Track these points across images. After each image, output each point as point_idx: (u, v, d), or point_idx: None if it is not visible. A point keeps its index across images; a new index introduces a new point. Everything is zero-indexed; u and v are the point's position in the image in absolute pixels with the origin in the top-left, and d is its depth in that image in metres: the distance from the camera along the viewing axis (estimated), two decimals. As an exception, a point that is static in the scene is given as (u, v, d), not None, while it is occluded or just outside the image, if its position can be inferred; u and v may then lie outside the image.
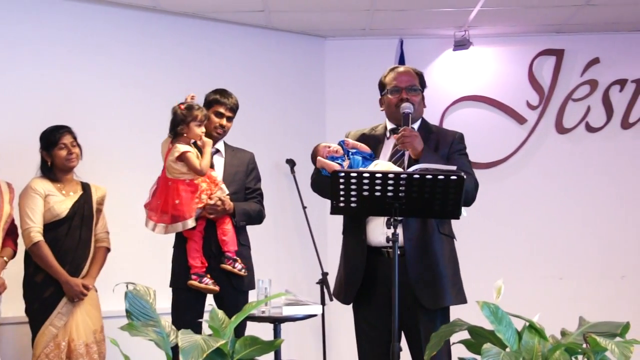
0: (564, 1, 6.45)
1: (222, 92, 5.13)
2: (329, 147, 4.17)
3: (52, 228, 5.02)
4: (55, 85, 5.99)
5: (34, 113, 5.78)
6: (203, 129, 4.88)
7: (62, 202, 5.06)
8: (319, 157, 4.13)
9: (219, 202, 4.82)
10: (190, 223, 4.78)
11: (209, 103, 5.10)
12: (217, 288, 4.84)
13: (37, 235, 4.94)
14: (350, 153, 4.13)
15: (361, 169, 4.00)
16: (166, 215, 4.80)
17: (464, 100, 7.31)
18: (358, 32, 7.19)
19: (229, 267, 4.84)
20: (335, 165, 4.01)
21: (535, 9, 6.69)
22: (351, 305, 4.29)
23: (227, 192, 4.93)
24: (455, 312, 4.14)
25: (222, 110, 5.08)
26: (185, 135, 4.82)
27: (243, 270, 4.88)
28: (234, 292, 4.92)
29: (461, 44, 7.13)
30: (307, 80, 7.27)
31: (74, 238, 5.05)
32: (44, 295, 4.95)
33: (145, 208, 4.88)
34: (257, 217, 5.15)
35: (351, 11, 6.66)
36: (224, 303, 4.84)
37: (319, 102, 7.29)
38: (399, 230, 3.86)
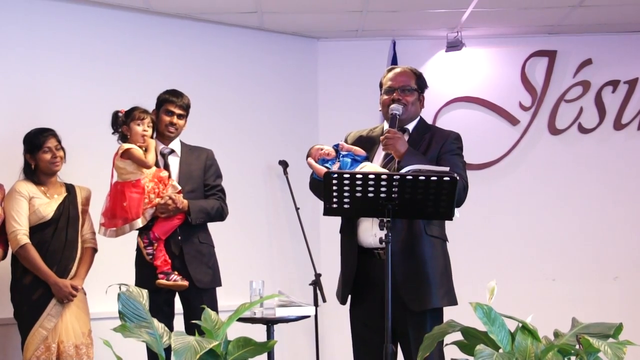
0: (556, 2, 6.46)
1: (172, 92, 5.20)
2: (322, 149, 4.17)
3: (38, 230, 5.01)
4: (45, 86, 5.97)
5: (20, 114, 5.76)
6: (146, 128, 4.97)
7: (47, 204, 5.05)
8: (308, 160, 4.14)
9: (169, 201, 4.85)
10: (138, 223, 4.85)
11: (160, 103, 5.17)
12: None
13: (24, 238, 4.93)
14: (341, 155, 4.13)
15: (352, 170, 4.00)
16: (116, 219, 4.87)
17: (457, 101, 7.32)
18: (351, 33, 7.19)
19: (164, 283, 4.85)
20: (323, 169, 4.01)
21: (528, 10, 6.70)
22: (346, 306, 4.29)
23: (179, 188, 4.96)
24: (448, 313, 4.14)
25: (171, 108, 5.12)
26: (129, 137, 4.95)
27: (180, 280, 4.88)
28: (197, 290, 4.95)
29: (454, 45, 7.14)
30: (300, 81, 7.26)
31: (61, 239, 5.05)
32: (33, 298, 4.94)
33: (101, 216, 4.98)
34: (217, 214, 5.15)
35: (344, 12, 6.66)
36: (190, 303, 4.88)
37: (311, 103, 7.29)
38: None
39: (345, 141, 4.35)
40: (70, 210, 5.13)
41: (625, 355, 3.31)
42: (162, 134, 5.13)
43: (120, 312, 3.53)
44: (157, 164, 5.03)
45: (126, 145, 4.89)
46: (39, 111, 5.84)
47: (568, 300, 6.90)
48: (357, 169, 4.02)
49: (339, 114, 7.04)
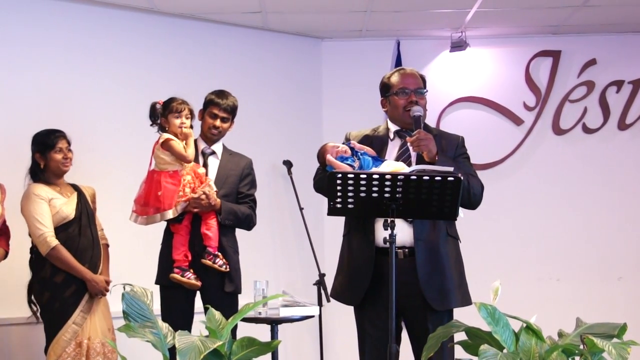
0: (560, 2, 6.46)
1: (219, 93, 5.13)
2: (338, 147, 4.12)
3: (62, 230, 5.02)
4: (50, 86, 5.97)
5: (28, 114, 5.77)
6: (184, 120, 4.92)
7: (67, 204, 5.07)
8: (329, 157, 4.05)
9: (203, 196, 4.82)
10: (170, 214, 4.81)
11: (206, 104, 5.12)
12: (198, 283, 4.85)
13: (54, 240, 4.94)
14: (359, 153, 4.10)
15: (361, 170, 3.98)
16: (148, 207, 4.84)
17: (461, 101, 7.32)
18: (355, 33, 7.20)
19: (209, 263, 4.83)
20: (346, 167, 3.97)
21: (532, 10, 6.69)
22: (349, 305, 4.29)
23: (215, 188, 4.94)
24: (454, 313, 4.16)
25: (215, 111, 5.07)
26: (167, 129, 4.92)
27: (225, 267, 4.87)
28: (220, 293, 4.91)
29: (458, 45, 7.13)
30: (304, 81, 7.27)
31: (88, 237, 5.08)
32: (65, 295, 4.94)
33: (134, 203, 4.94)
34: (245, 221, 5.11)
35: (348, 12, 6.66)
36: (212, 305, 4.86)
37: (315, 103, 7.29)
38: (410, 231, 3.98)
39: (348, 140, 4.33)
40: (87, 207, 5.17)
41: (630, 356, 3.31)
42: (205, 135, 5.11)
43: (124, 312, 3.53)
44: (196, 160, 5.01)
45: (166, 135, 4.86)
46: (42, 110, 5.84)
47: (572, 300, 6.91)
48: (383, 167, 3.99)
49: (343, 114, 7.04)
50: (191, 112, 5.00)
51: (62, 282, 4.97)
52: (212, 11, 6.57)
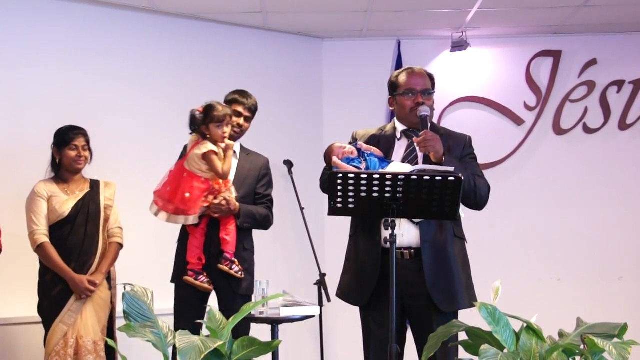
0: (561, 2, 6.46)
1: (242, 92, 5.13)
2: (344, 147, 4.11)
3: (57, 228, 5.05)
4: (52, 84, 5.99)
5: (36, 112, 5.81)
6: (225, 129, 4.83)
7: (65, 202, 5.08)
8: (334, 159, 4.05)
9: (223, 202, 4.81)
10: (192, 220, 4.80)
11: (228, 103, 5.09)
12: (210, 287, 4.87)
13: (41, 237, 4.98)
14: (366, 154, 4.09)
15: (383, 170, 3.97)
16: (171, 205, 4.80)
17: (462, 101, 7.32)
18: (355, 33, 7.19)
19: (225, 269, 4.84)
20: (353, 169, 3.94)
21: (533, 10, 6.69)
22: (350, 305, 4.28)
23: (236, 194, 4.93)
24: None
25: (240, 109, 5.06)
26: (209, 137, 4.83)
27: (240, 273, 4.88)
28: (234, 295, 4.92)
29: (458, 45, 7.13)
30: (305, 81, 7.26)
31: (79, 236, 5.07)
32: (53, 294, 4.98)
33: (155, 194, 4.88)
34: (263, 222, 5.13)
35: (348, 12, 6.66)
36: (225, 306, 4.85)
37: (316, 103, 7.28)
38: (417, 232, 3.99)
39: (354, 139, 4.31)
40: (90, 206, 5.15)
41: (630, 355, 3.31)
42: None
43: (125, 312, 3.53)
44: None
45: (210, 147, 4.77)
46: (45, 108, 5.86)
47: (573, 300, 6.90)
48: (390, 168, 3.98)
49: (344, 113, 7.04)
50: (231, 117, 4.89)
51: (50, 281, 5.02)
52: (212, 11, 6.57)
